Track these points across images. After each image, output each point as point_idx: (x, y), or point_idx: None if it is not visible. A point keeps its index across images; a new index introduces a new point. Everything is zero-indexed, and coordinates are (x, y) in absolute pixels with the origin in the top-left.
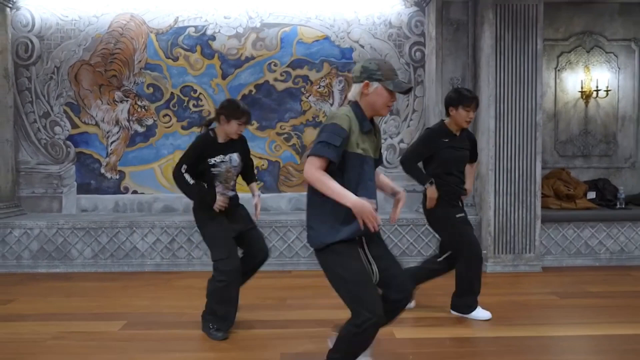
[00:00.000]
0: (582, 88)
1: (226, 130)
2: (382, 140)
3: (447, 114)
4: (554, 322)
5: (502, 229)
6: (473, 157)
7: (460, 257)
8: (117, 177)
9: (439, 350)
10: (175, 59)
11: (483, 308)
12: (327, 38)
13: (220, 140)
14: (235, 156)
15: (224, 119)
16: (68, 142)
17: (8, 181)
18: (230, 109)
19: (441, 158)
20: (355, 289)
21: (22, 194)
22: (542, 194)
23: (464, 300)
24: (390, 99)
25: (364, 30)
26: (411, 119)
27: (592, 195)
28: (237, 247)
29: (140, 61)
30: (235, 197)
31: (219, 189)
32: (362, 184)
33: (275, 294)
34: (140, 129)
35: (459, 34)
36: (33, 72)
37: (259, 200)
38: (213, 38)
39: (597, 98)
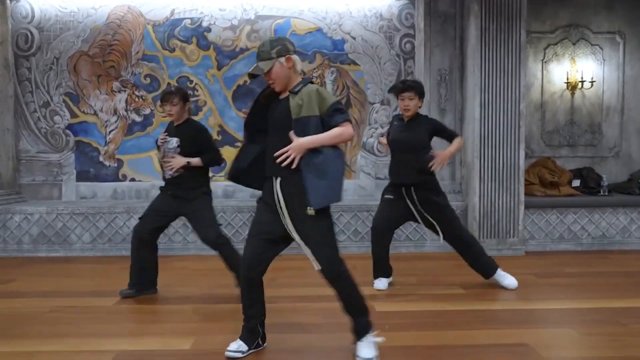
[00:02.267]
0: (568, 79)
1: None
2: (373, 130)
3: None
4: (527, 297)
5: (486, 214)
6: (446, 137)
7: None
8: (116, 165)
9: (416, 321)
10: (172, 50)
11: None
12: (319, 30)
13: (175, 123)
14: (173, 140)
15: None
16: (67, 131)
17: (9, 169)
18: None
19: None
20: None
21: (22, 181)
22: (528, 181)
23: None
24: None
25: (356, 23)
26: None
27: (576, 183)
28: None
29: (137, 52)
30: (178, 178)
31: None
32: None
33: (267, 274)
34: (138, 118)
35: (447, 26)
36: (33, 63)
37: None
38: (208, 30)
39: (583, 89)
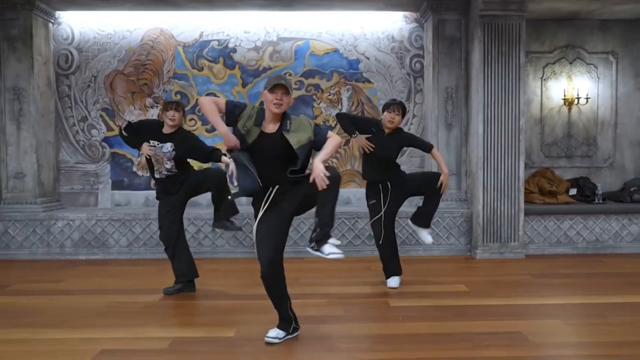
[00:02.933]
0: (565, 96)
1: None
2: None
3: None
4: (522, 295)
5: (489, 221)
6: (422, 148)
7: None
8: (147, 175)
9: (423, 314)
10: (200, 69)
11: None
12: (336, 51)
13: (166, 132)
14: (167, 145)
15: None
16: (104, 144)
17: (50, 178)
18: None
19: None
20: None
21: (62, 189)
22: (528, 190)
23: None
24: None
25: (370, 44)
26: (412, 123)
27: (573, 191)
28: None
29: (169, 71)
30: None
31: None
32: None
33: (291, 274)
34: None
35: (453, 48)
36: (72, 81)
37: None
38: (234, 50)
39: (579, 105)
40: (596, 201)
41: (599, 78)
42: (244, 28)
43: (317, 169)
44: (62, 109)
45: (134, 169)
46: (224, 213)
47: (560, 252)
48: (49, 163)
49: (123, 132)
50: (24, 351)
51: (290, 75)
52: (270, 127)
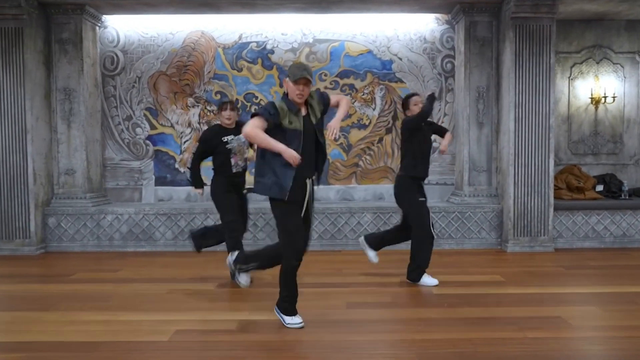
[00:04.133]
0: (592, 95)
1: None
2: None
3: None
4: (556, 284)
5: (520, 216)
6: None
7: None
8: (184, 171)
9: (468, 300)
10: (240, 70)
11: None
12: (370, 52)
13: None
14: (240, 137)
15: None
16: (147, 141)
17: (98, 175)
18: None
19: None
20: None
21: (108, 185)
22: (556, 186)
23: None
24: (295, 90)
25: (402, 45)
26: (442, 122)
27: (600, 188)
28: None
29: (209, 72)
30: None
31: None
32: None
33: (332, 265)
34: None
35: (484, 49)
36: (118, 82)
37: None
38: (272, 52)
39: (605, 103)
40: (622, 197)
41: (625, 77)
42: (281, 30)
43: (334, 125)
44: (108, 108)
45: (176, 165)
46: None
47: (588, 246)
48: (97, 160)
49: (192, 165)
50: (109, 330)
51: (325, 75)
52: (302, 111)
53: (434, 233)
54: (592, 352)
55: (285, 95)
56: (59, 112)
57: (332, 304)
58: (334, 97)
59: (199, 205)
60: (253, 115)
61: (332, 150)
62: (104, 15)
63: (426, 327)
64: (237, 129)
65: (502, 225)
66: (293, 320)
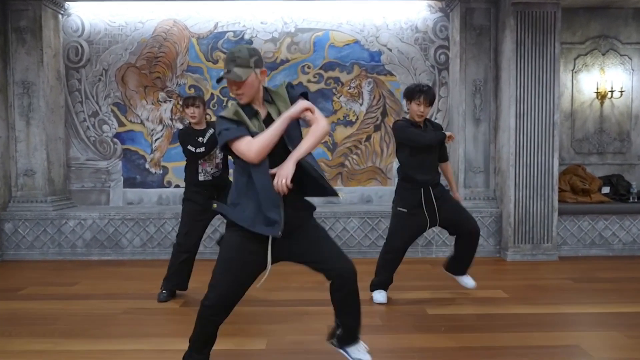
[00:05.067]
0: (597, 89)
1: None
2: None
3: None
4: (568, 302)
5: (521, 221)
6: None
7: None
8: (161, 172)
9: (468, 323)
10: (215, 62)
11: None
12: (357, 42)
13: (197, 127)
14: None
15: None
16: (115, 140)
17: (60, 176)
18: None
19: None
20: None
21: (72, 187)
22: (559, 188)
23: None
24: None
25: (392, 35)
26: (436, 118)
27: (606, 189)
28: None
29: (182, 64)
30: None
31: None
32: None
33: (314, 278)
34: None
35: (482, 38)
36: (83, 74)
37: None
38: (250, 42)
39: (612, 98)
40: (631, 200)
41: (633, 70)
42: (260, 19)
43: (284, 169)
44: (72, 103)
45: (147, 166)
46: None
47: (595, 253)
48: (59, 160)
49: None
50: None
51: (309, 67)
52: (261, 112)
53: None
54: None
55: (237, 102)
56: (16, 108)
57: (312, 328)
58: (309, 113)
59: (169, 210)
60: (226, 146)
61: (316, 149)
62: (67, 2)
63: (419, 357)
64: (208, 129)
65: (501, 231)
66: None
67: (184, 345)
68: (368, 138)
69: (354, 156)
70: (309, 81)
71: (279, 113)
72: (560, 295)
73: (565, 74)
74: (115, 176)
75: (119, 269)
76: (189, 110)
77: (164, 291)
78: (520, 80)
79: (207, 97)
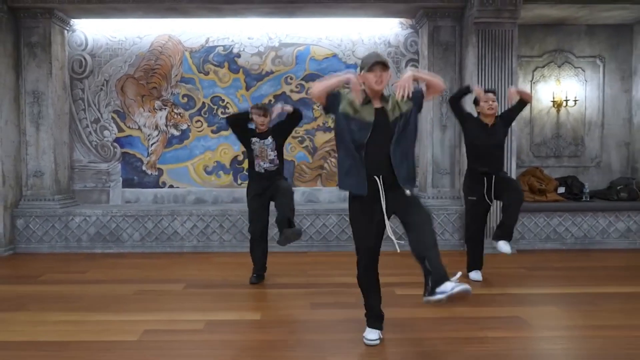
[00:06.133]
0: (554, 98)
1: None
2: None
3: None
4: (518, 285)
5: None
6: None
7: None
8: (157, 173)
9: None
10: (206, 73)
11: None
12: (335, 56)
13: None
14: (268, 139)
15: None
16: (115, 144)
17: (65, 177)
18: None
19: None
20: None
21: (75, 187)
22: None
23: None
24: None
25: (367, 49)
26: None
27: (562, 190)
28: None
29: (176, 75)
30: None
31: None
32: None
33: (298, 267)
34: (176, 133)
35: (448, 54)
36: (86, 85)
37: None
38: (238, 55)
39: (567, 107)
40: (584, 199)
41: (586, 81)
42: (247, 34)
43: (405, 77)
44: (76, 111)
45: (144, 167)
46: (285, 232)
47: (550, 247)
48: (65, 162)
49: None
50: (79, 330)
51: (291, 79)
52: (378, 104)
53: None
54: (550, 351)
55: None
56: (27, 115)
57: (297, 305)
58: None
59: (166, 207)
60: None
61: (298, 153)
62: (73, 19)
63: (388, 327)
64: (270, 130)
65: (462, 226)
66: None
67: (195, 317)
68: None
69: (332, 159)
70: (291, 91)
71: (393, 111)
72: (512, 281)
73: (525, 84)
74: (115, 177)
75: (122, 261)
76: (259, 120)
77: (254, 275)
78: None
79: (198, 105)
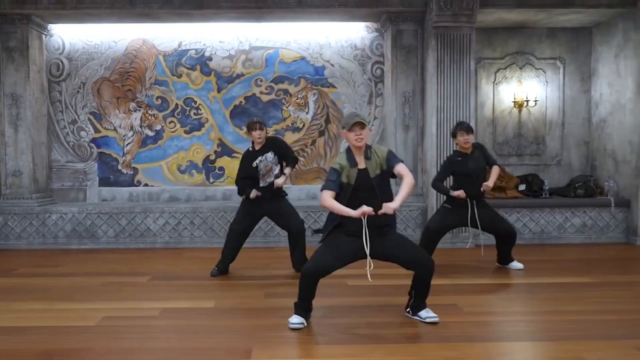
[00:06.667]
0: (515, 99)
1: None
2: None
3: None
4: (464, 276)
5: None
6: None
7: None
8: (132, 172)
9: (380, 291)
10: (179, 76)
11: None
12: (303, 58)
13: (257, 146)
14: (269, 155)
15: (247, 132)
16: (91, 144)
17: (43, 176)
18: (247, 125)
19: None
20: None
21: (53, 186)
22: None
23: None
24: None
25: (334, 52)
26: (372, 124)
27: (522, 187)
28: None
29: (150, 78)
30: (270, 185)
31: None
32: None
33: (262, 262)
34: (151, 133)
35: (410, 56)
36: (63, 87)
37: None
38: (210, 59)
39: (528, 107)
40: (543, 196)
41: (547, 82)
42: (219, 38)
43: (390, 206)
44: (54, 112)
45: (119, 167)
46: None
47: None
48: (43, 162)
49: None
50: (42, 317)
51: (261, 81)
52: (362, 163)
53: None
54: (474, 333)
55: (348, 149)
56: (6, 117)
57: (252, 294)
58: (399, 166)
59: (139, 205)
60: (323, 189)
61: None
62: (50, 24)
63: (332, 313)
64: (269, 145)
65: (424, 222)
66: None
67: (153, 305)
68: (313, 142)
69: (301, 158)
70: (261, 92)
71: (374, 169)
72: (461, 272)
73: (487, 85)
74: (92, 176)
75: (96, 256)
76: (256, 133)
77: (215, 268)
78: (440, 93)
79: (171, 107)
